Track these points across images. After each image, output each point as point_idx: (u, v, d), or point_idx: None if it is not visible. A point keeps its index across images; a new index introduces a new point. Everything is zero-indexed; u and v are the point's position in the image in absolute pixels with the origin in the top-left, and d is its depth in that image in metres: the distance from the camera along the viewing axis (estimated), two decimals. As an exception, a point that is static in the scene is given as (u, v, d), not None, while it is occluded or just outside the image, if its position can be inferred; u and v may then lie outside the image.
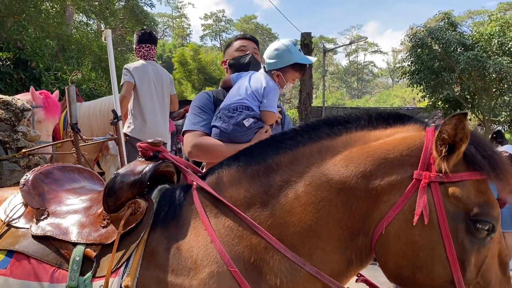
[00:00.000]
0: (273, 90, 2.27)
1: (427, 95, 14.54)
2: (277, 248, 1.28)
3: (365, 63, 71.62)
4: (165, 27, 55.61)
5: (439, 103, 14.80)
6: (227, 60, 2.54)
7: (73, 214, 1.56)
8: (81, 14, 20.35)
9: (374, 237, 1.25)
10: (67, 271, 1.40)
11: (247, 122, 2.18)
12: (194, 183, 1.51)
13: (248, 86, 2.27)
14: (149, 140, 1.59)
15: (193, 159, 2.26)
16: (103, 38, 3.96)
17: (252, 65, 2.43)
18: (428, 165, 1.21)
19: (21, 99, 3.51)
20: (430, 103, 14.85)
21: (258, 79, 2.29)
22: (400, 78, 16.67)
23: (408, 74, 14.58)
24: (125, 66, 4.35)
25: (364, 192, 1.26)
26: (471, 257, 1.18)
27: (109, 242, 1.41)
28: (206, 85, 27.92)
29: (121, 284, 1.32)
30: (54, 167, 1.87)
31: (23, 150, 2.88)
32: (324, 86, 21.92)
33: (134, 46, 4.66)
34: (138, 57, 4.58)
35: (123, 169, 1.55)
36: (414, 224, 1.18)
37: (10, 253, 1.51)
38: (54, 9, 15.86)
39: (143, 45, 4.52)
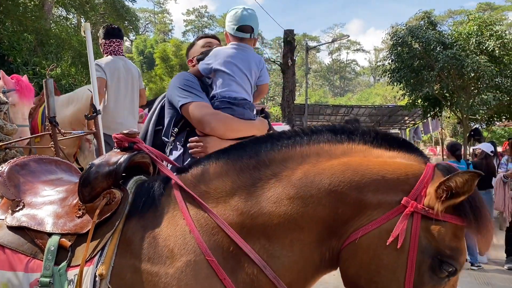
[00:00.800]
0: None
1: (407, 93, 14.72)
2: (241, 247, 1.31)
3: (347, 62, 72.26)
4: (147, 22, 55.06)
5: (419, 101, 15.01)
6: (193, 58, 2.50)
7: (48, 205, 1.57)
8: (60, 8, 20.02)
9: (346, 241, 1.29)
10: (42, 261, 1.41)
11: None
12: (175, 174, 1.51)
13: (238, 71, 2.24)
14: (125, 131, 1.60)
15: (206, 132, 2.07)
16: (82, 32, 3.91)
17: None
18: (419, 196, 1.25)
19: (-4, 92, 3.45)
20: (410, 101, 15.03)
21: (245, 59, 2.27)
22: (381, 77, 16.84)
23: (388, 73, 14.75)
24: (96, 62, 4.29)
25: (353, 200, 1.29)
26: None
27: (84, 231, 1.42)
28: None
29: (95, 273, 1.33)
30: (31, 159, 1.87)
31: (0, 144, 2.84)
32: (307, 83, 22.03)
33: (99, 41, 4.58)
34: (106, 52, 4.53)
35: (98, 159, 1.56)
36: (386, 243, 1.23)
37: None
38: (32, 3, 15.56)
39: (114, 40, 4.49)
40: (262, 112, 9.04)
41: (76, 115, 4.57)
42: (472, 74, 12.74)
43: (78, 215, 1.49)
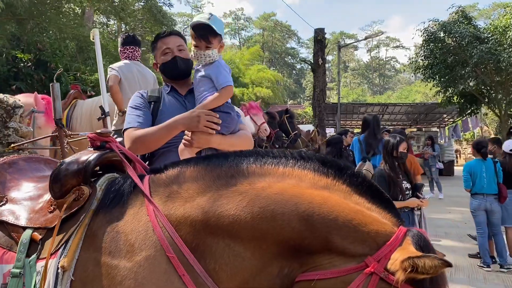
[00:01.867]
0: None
1: (442, 90, 14.29)
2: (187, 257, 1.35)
3: (387, 59, 70.55)
4: (185, 26, 56.16)
5: (455, 98, 14.55)
6: (157, 63, 2.54)
7: (28, 201, 1.69)
8: (101, 15, 20.85)
9: (304, 275, 1.29)
10: (16, 253, 1.51)
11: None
12: (147, 173, 1.60)
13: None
14: (98, 131, 1.70)
15: (138, 154, 2.22)
16: (91, 37, 4.15)
17: (181, 67, 2.49)
18: (382, 258, 1.24)
19: (19, 98, 3.72)
20: (445, 98, 14.59)
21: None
22: (414, 73, 16.42)
23: (421, 69, 14.39)
24: (109, 66, 4.56)
25: (321, 237, 1.29)
26: None
27: (52, 225, 1.51)
28: (224, 83, 28.00)
29: (58, 265, 1.40)
30: (20, 157, 2.01)
31: (12, 145, 3.09)
32: (339, 82, 21.78)
33: (118, 49, 4.85)
34: (123, 58, 4.77)
35: (69, 158, 1.65)
36: None
37: None
38: (73, 11, 16.29)
39: (127, 47, 4.74)
40: (287, 112, 9.13)
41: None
42: (510, 69, 12.22)
43: (49, 210, 1.58)
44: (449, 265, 1.17)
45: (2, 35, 11.87)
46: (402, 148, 4.59)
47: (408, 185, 4.50)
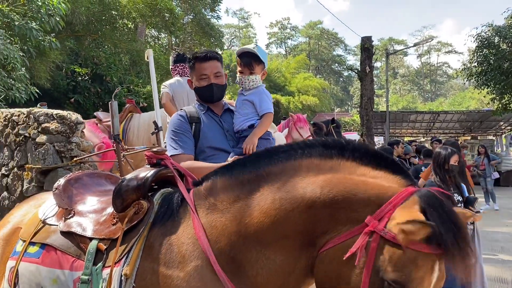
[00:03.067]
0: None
1: (497, 97, 13.67)
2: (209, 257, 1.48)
3: (438, 64, 68.21)
4: (232, 37, 57.12)
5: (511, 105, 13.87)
6: (192, 83, 2.61)
7: (92, 213, 1.86)
8: (153, 30, 21.69)
9: (319, 250, 1.42)
10: (84, 261, 1.67)
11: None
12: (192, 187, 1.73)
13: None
14: (154, 149, 1.86)
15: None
16: (145, 57, 4.39)
17: (216, 94, 2.58)
18: (382, 217, 1.30)
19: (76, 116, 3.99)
20: (500, 105, 13.93)
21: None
22: (467, 80, 15.82)
23: (474, 76, 13.84)
24: (163, 84, 4.80)
25: (326, 216, 1.41)
26: None
27: (115, 237, 1.66)
28: (271, 92, 28.25)
29: (121, 272, 1.55)
30: (84, 173, 2.20)
31: (75, 159, 3.34)
32: (387, 90, 21.35)
33: (170, 67, 5.09)
34: (174, 75, 5.00)
35: (129, 175, 1.81)
36: (348, 259, 1.31)
37: (43, 245, 1.82)
38: (126, 26, 17.05)
39: (178, 65, 4.97)
40: (333, 122, 9.13)
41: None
42: None
43: (113, 222, 1.73)
44: (432, 226, 1.19)
45: (62, 51, 12.64)
46: (454, 160, 4.47)
47: (460, 198, 4.38)
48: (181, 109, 2.60)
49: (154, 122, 3.95)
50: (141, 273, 1.55)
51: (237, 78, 2.62)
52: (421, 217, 1.24)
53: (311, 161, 1.51)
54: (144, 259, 1.57)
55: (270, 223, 1.46)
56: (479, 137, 22.53)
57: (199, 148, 2.45)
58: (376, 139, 18.13)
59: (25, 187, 4.20)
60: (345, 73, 61.81)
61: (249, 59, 2.54)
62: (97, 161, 3.82)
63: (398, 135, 23.59)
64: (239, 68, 2.61)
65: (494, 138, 23.46)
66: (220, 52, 2.89)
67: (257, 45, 2.56)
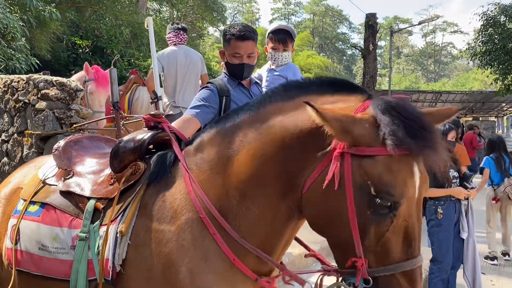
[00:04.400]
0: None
1: (500, 78, 13.57)
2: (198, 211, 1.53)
3: (443, 44, 67.45)
4: (235, 12, 56.37)
5: (514, 85, 13.79)
6: (224, 55, 2.65)
7: (91, 174, 1.90)
8: (154, 2, 21.39)
9: (303, 191, 1.43)
10: (82, 219, 1.73)
11: None
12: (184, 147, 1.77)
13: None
14: (152, 112, 1.88)
15: None
16: (145, 25, 4.37)
17: (246, 74, 2.64)
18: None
19: (75, 80, 4.01)
20: (503, 86, 13.85)
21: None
22: (471, 60, 15.69)
23: (479, 55, 13.72)
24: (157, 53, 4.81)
25: (298, 152, 1.43)
26: (370, 226, 1.29)
27: (112, 196, 1.70)
28: (273, 69, 28.02)
29: (117, 230, 1.61)
30: (84, 136, 2.23)
31: (74, 125, 3.36)
32: (390, 68, 21.18)
33: (166, 37, 5.12)
34: (170, 44, 4.99)
35: (126, 136, 1.84)
36: (329, 187, 1.31)
37: (43, 204, 1.87)
38: (128, -1, 16.83)
39: (172, 32, 4.96)
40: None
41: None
42: None
43: (110, 183, 1.77)
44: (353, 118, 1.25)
45: (63, 22, 12.50)
46: (451, 136, 4.51)
47: (456, 174, 4.42)
48: (209, 82, 2.63)
49: (154, 92, 3.96)
50: (136, 230, 1.60)
51: (269, 54, 2.73)
52: (351, 114, 1.29)
53: (276, 106, 1.55)
54: (139, 217, 1.62)
55: (248, 172, 1.51)
56: (480, 118, 22.49)
57: None
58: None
59: (25, 153, 4.24)
60: (349, 52, 61.27)
61: (285, 36, 2.67)
62: (96, 128, 3.85)
63: (400, 114, 23.44)
64: (271, 45, 2.74)
65: (495, 119, 23.41)
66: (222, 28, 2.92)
67: (288, 24, 2.75)
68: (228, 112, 1.74)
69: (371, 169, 1.27)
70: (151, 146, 1.87)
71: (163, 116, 1.90)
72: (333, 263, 1.50)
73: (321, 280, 1.54)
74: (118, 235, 1.59)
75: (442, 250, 4.29)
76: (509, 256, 6.47)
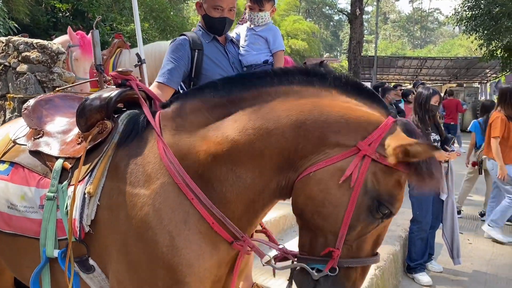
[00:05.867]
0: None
1: (485, 43, 13.64)
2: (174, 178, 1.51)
3: (430, 10, 67.00)
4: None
5: (498, 51, 13.87)
6: (201, 7, 2.55)
7: (60, 134, 1.85)
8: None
9: (301, 174, 1.44)
10: (50, 179, 1.69)
11: None
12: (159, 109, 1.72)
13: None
14: (119, 69, 1.81)
15: None
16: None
17: (226, 29, 2.57)
18: (373, 142, 1.37)
19: (57, 43, 3.93)
20: (488, 51, 13.94)
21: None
22: (457, 25, 15.68)
23: (464, 21, 13.72)
24: None
25: (315, 138, 1.42)
26: (359, 225, 1.39)
27: (79, 155, 1.66)
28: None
29: (84, 190, 1.57)
30: (56, 95, 2.16)
31: (57, 89, 3.32)
32: (377, 34, 21.07)
33: None
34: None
35: (93, 94, 1.78)
36: (336, 179, 1.36)
37: (12, 164, 1.85)
38: (109, -40, 16.19)
39: None
40: (321, 66, 9.25)
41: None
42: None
43: (78, 142, 1.73)
44: (437, 148, 1.32)
45: (42, -16, 12.06)
46: (434, 101, 4.55)
47: (437, 137, 4.51)
48: (182, 34, 2.55)
49: (137, 54, 3.90)
50: (107, 192, 1.57)
51: (246, 13, 2.69)
52: (414, 141, 1.33)
53: (290, 88, 1.52)
54: (110, 178, 1.59)
55: (247, 142, 1.47)
56: (465, 85, 22.71)
57: (205, 76, 2.44)
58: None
59: (7, 116, 4.18)
60: (336, 17, 60.51)
61: None
62: (79, 92, 3.81)
63: (386, 81, 23.59)
64: (248, 4, 2.65)
65: (479, 86, 23.66)
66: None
67: None
68: (217, 82, 1.66)
69: (386, 180, 1.37)
70: (121, 105, 1.82)
71: (131, 73, 1.83)
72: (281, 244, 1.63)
73: (279, 260, 1.60)
74: (86, 195, 1.57)
75: (421, 211, 4.43)
76: (486, 216, 6.72)
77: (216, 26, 2.53)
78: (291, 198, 1.50)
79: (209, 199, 1.50)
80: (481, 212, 6.78)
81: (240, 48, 2.76)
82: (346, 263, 1.42)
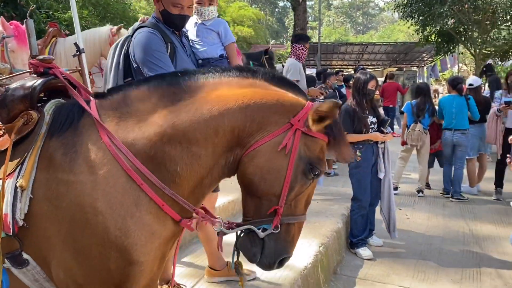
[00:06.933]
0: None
1: (420, 29, 14.35)
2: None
3: (371, -4, 68.90)
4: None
5: (433, 36, 14.65)
6: (159, 1, 2.53)
7: None
8: None
9: (248, 149, 1.64)
10: None
11: None
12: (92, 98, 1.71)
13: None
14: (40, 57, 1.75)
15: None
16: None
17: (184, 25, 2.63)
18: (302, 119, 1.66)
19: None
20: (423, 37, 14.68)
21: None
22: (394, 11, 16.35)
23: (401, 7, 14.34)
24: None
25: (259, 118, 1.64)
26: (297, 186, 1.66)
27: (3, 149, 1.59)
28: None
29: (16, 184, 1.52)
30: None
31: (-9, 81, 3.18)
32: (320, 21, 21.50)
33: None
34: None
35: (14, 84, 1.70)
36: (277, 150, 1.63)
37: None
38: None
39: None
40: (266, 53, 9.32)
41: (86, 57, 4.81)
42: (486, 8, 12.28)
43: (0, 134, 1.63)
44: (338, 104, 1.64)
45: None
46: (371, 85, 4.79)
47: (374, 120, 4.76)
48: (144, 27, 2.49)
49: (75, 44, 3.81)
50: (43, 184, 1.55)
51: (195, 8, 2.73)
52: (321, 103, 1.66)
53: (231, 79, 1.72)
54: (44, 170, 1.56)
55: (202, 121, 1.60)
56: (404, 69, 23.76)
57: (178, 68, 2.42)
58: (308, 71, 18.47)
59: None
60: (281, 4, 60.86)
61: None
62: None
63: (329, 66, 24.20)
64: None
65: (417, 69, 24.83)
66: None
67: None
68: (163, 74, 1.74)
69: (313, 147, 1.68)
70: (42, 95, 1.77)
71: (53, 61, 1.79)
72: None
73: (227, 229, 1.74)
74: (18, 189, 1.53)
75: (361, 189, 4.70)
76: (422, 193, 7.18)
77: (176, 23, 2.55)
78: (237, 173, 1.69)
79: (161, 179, 1.57)
80: (418, 188, 7.24)
81: (192, 42, 2.83)
82: (287, 220, 1.67)
